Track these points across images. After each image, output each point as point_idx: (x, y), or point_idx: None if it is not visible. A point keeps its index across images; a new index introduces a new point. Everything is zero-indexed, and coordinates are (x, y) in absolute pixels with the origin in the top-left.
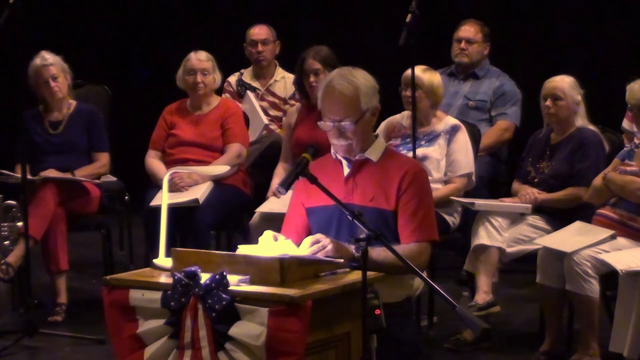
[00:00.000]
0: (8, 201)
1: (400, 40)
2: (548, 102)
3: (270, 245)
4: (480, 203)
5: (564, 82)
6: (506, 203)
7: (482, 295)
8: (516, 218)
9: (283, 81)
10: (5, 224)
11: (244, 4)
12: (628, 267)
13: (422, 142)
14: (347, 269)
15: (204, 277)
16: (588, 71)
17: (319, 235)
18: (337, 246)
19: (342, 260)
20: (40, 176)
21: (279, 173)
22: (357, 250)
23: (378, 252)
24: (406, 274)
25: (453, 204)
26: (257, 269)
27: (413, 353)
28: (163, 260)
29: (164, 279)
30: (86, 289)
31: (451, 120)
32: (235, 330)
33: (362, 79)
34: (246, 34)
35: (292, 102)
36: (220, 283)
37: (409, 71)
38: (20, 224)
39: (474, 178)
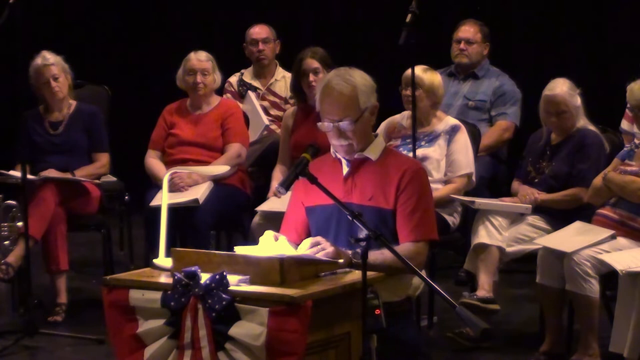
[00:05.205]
0: (8, 201)
1: (400, 40)
2: (554, 119)
3: (268, 246)
4: (480, 202)
5: (564, 93)
6: (506, 203)
7: (483, 292)
8: (516, 218)
9: (283, 80)
10: (5, 224)
11: (243, 4)
12: (628, 268)
13: (422, 143)
14: (347, 269)
15: (204, 277)
16: (588, 71)
17: (319, 238)
18: (337, 251)
19: (342, 261)
20: (40, 176)
21: (277, 176)
22: (355, 256)
23: (375, 257)
24: (406, 274)
25: (453, 203)
26: (257, 269)
27: (413, 353)
28: (163, 260)
29: (164, 279)
30: (86, 289)
31: (451, 121)
32: (235, 330)
33: (359, 78)
34: (246, 34)
35: (293, 101)
36: (220, 283)
37: (409, 71)
38: (20, 224)
39: (474, 178)
